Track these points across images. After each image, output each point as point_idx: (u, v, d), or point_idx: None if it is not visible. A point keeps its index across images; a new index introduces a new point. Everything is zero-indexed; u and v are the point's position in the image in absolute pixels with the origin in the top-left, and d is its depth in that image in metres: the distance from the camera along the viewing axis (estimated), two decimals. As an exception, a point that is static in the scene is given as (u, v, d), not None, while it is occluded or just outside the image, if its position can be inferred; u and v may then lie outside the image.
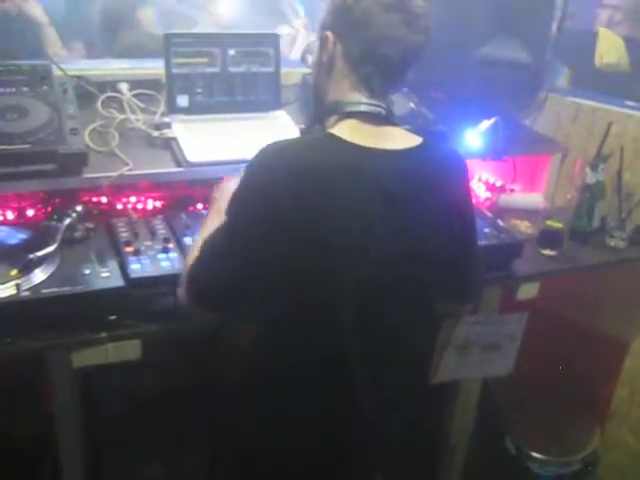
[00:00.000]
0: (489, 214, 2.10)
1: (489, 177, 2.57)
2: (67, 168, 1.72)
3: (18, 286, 1.47)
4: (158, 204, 1.97)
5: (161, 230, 1.79)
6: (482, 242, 1.82)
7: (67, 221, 1.70)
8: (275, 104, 2.16)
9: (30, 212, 1.84)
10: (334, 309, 1.36)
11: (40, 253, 1.56)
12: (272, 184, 1.29)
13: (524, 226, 2.27)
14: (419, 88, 2.24)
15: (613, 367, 2.57)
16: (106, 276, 1.56)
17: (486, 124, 2.21)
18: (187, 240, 1.75)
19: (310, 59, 1.55)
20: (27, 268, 1.53)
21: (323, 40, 1.42)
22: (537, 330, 2.05)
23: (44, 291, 1.49)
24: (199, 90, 2.05)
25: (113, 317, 1.56)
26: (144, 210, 1.95)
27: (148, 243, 1.72)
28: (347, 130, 1.37)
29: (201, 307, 1.41)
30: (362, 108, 1.38)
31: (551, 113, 2.59)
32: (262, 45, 2.12)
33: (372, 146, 1.35)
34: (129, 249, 1.68)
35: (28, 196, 1.83)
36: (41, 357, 1.63)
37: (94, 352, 1.55)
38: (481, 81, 2.30)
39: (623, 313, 2.51)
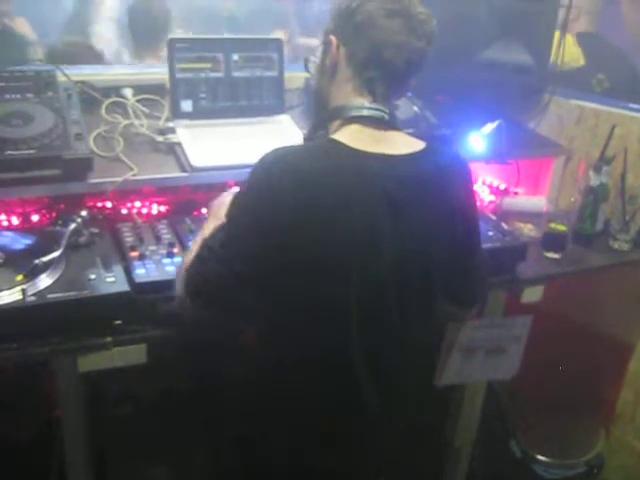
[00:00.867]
0: (493, 217, 2.11)
1: (493, 180, 2.57)
2: (72, 173, 1.72)
3: (24, 291, 1.47)
4: (163, 209, 1.98)
5: (166, 235, 1.79)
6: (486, 245, 1.82)
7: (72, 226, 1.70)
8: (279, 108, 2.17)
9: (35, 217, 1.85)
10: (336, 310, 1.37)
11: (45, 258, 1.56)
12: (273, 190, 1.29)
13: (528, 229, 2.27)
14: (423, 92, 2.24)
15: (618, 369, 2.57)
16: (111, 281, 1.56)
17: (490, 127, 2.22)
18: (192, 245, 1.76)
19: (312, 64, 1.55)
20: (33, 273, 1.53)
21: (327, 44, 1.42)
22: (542, 333, 2.05)
23: (50, 296, 1.49)
24: (203, 95, 2.06)
25: (118, 322, 1.56)
26: (149, 215, 1.95)
27: (153, 248, 1.72)
28: (350, 135, 1.38)
29: (197, 304, 1.40)
30: (365, 113, 1.39)
31: (554, 116, 2.60)
32: (266, 50, 2.12)
33: (375, 151, 1.36)
34: (134, 254, 1.68)
35: (33, 201, 1.84)
36: (46, 361, 1.63)
37: (99, 357, 1.55)
38: (485, 84, 2.30)
39: (627, 315, 2.50)
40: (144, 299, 1.59)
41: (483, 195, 2.48)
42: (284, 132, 2.10)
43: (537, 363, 2.20)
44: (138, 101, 2.05)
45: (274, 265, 1.33)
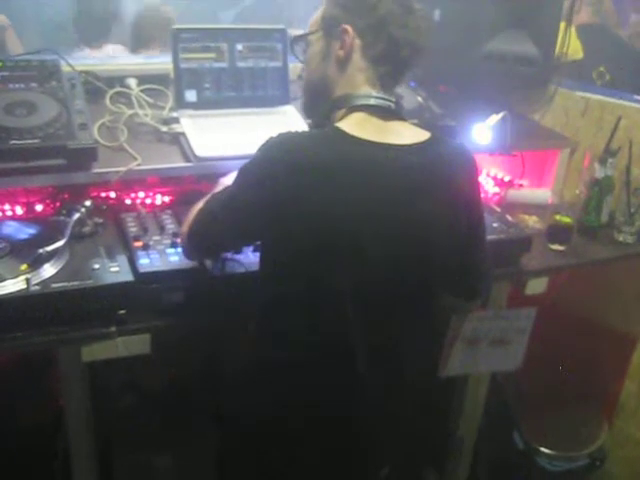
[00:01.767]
0: (497, 209, 2.10)
1: (497, 172, 2.57)
2: (76, 163, 1.72)
3: (28, 280, 1.47)
4: (167, 199, 1.98)
5: (170, 225, 1.79)
6: (491, 237, 1.82)
7: (76, 216, 1.70)
8: (283, 99, 2.16)
9: (39, 207, 1.85)
10: (334, 298, 1.37)
11: (49, 248, 1.56)
12: (272, 176, 1.31)
13: (532, 221, 2.27)
14: (427, 82, 2.24)
15: (621, 362, 2.57)
16: (115, 271, 1.56)
17: (494, 119, 2.21)
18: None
19: (306, 48, 1.53)
20: (37, 263, 1.53)
21: (338, 33, 1.41)
22: (545, 325, 2.05)
23: (54, 285, 1.49)
24: (207, 85, 2.05)
25: (122, 312, 1.56)
26: (153, 205, 1.95)
27: (157, 238, 1.73)
28: (354, 124, 1.37)
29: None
30: (372, 102, 1.39)
31: (560, 108, 2.59)
32: (270, 40, 2.11)
33: (379, 141, 1.36)
34: (138, 244, 1.68)
35: (37, 191, 1.84)
36: (50, 351, 1.63)
37: (103, 346, 1.56)
38: (489, 75, 2.30)
39: (631, 308, 2.50)
40: (148, 289, 1.59)
41: (488, 187, 2.48)
42: (288, 123, 2.09)
43: (540, 355, 2.19)
44: (142, 91, 2.04)
45: (271, 248, 1.37)
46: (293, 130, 1.38)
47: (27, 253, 1.56)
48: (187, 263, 1.63)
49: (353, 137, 1.34)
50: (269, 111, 2.13)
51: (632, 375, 2.55)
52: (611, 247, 2.26)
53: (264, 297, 1.47)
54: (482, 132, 2.22)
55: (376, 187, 1.33)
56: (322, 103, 1.49)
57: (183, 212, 1.86)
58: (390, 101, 1.40)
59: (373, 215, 1.33)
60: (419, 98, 2.20)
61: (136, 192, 1.94)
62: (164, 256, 1.65)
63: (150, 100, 2.04)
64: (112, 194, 1.91)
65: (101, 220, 1.76)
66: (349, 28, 1.39)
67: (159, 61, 2.23)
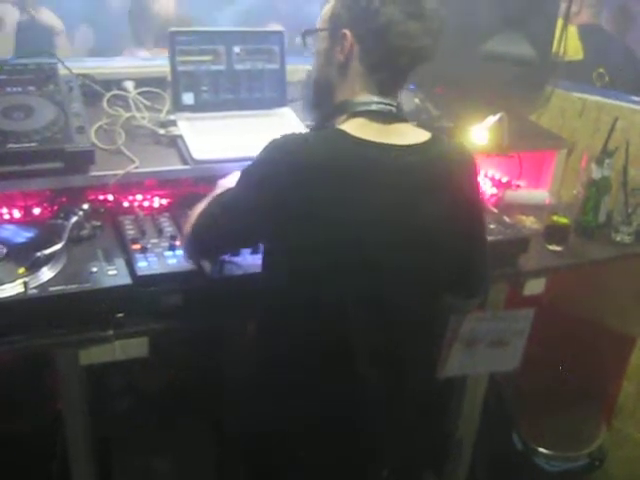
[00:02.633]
0: (495, 210, 2.10)
1: (495, 173, 2.56)
2: (73, 166, 1.72)
3: (26, 284, 1.47)
4: (164, 202, 1.97)
5: (168, 227, 1.79)
6: (488, 238, 1.81)
7: (74, 219, 1.70)
8: (281, 101, 2.16)
9: (37, 210, 1.84)
10: (336, 297, 1.37)
11: (47, 251, 1.56)
12: (275, 177, 1.32)
13: (530, 222, 2.27)
14: (425, 84, 2.24)
15: (620, 362, 2.57)
16: (113, 274, 1.56)
17: (492, 120, 2.21)
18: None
19: (313, 50, 1.53)
20: (34, 266, 1.53)
21: (339, 37, 1.40)
22: (544, 326, 2.05)
23: (51, 289, 1.49)
24: (204, 88, 2.06)
25: (120, 315, 1.56)
26: (150, 208, 1.95)
27: (155, 240, 1.72)
28: (356, 126, 1.38)
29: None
30: (373, 107, 1.39)
31: (557, 108, 2.59)
32: (267, 42, 2.12)
33: (381, 141, 1.36)
34: (136, 247, 1.68)
35: (35, 194, 1.83)
36: (48, 354, 1.63)
37: (101, 350, 1.56)
38: (487, 77, 2.30)
39: (629, 308, 2.50)
40: (146, 292, 1.59)
41: (485, 188, 2.47)
42: (286, 125, 2.09)
43: (539, 356, 2.20)
44: (139, 94, 2.05)
45: (273, 249, 1.37)
46: (295, 132, 1.38)
47: (25, 256, 1.56)
48: (185, 266, 1.63)
49: (355, 137, 1.35)
50: (266, 113, 2.13)
51: (630, 375, 2.56)
52: (609, 247, 2.26)
53: (265, 299, 1.47)
54: (479, 133, 2.22)
55: (377, 186, 1.34)
56: (324, 105, 1.50)
57: (181, 215, 1.86)
58: (391, 105, 1.40)
59: (375, 214, 1.34)
60: (416, 100, 2.21)
61: (134, 195, 1.93)
62: (162, 259, 1.65)
63: (147, 103, 2.04)
64: (110, 197, 1.90)
65: (99, 223, 1.76)
66: (348, 33, 1.38)
67: (156, 64, 2.23)
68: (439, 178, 1.41)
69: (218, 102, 2.08)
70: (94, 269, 1.57)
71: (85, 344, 1.55)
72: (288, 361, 1.45)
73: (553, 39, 2.47)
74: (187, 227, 1.55)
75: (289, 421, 1.48)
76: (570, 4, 2.55)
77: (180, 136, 1.94)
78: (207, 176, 1.93)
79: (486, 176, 2.56)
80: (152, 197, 1.96)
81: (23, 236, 1.68)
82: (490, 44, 2.28)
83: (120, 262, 1.62)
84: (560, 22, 2.50)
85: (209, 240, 1.53)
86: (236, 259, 1.67)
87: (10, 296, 1.45)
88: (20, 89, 1.81)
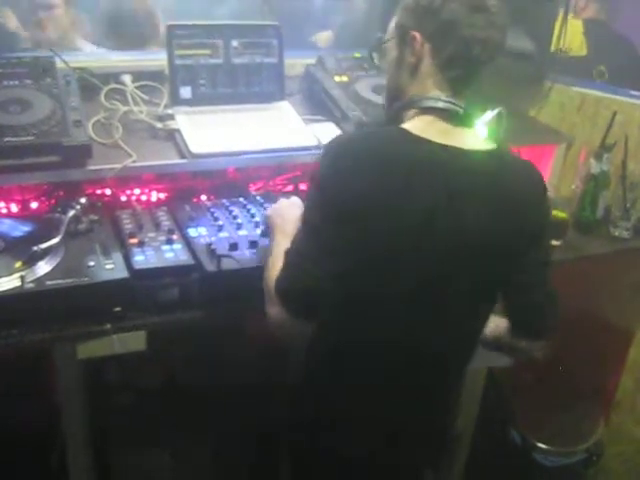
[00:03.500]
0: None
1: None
2: (71, 160, 1.72)
3: (22, 278, 1.47)
4: (162, 196, 1.97)
5: (165, 222, 1.79)
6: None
7: (71, 213, 1.70)
8: (279, 95, 2.16)
9: (34, 204, 1.84)
10: (396, 296, 1.37)
11: (44, 245, 1.56)
12: (339, 175, 1.31)
13: (528, 216, 2.26)
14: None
15: (618, 357, 2.57)
16: (110, 268, 1.56)
17: (490, 115, 2.20)
18: (191, 231, 1.76)
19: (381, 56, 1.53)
20: (31, 260, 1.53)
21: (409, 40, 1.39)
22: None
23: (48, 283, 1.49)
24: (202, 81, 2.05)
25: (118, 309, 1.56)
26: (148, 202, 1.95)
27: (152, 234, 1.72)
28: (420, 125, 1.37)
29: (300, 317, 1.34)
30: (440, 105, 1.37)
31: (555, 103, 2.59)
32: (265, 36, 2.11)
33: (442, 142, 1.34)
34: (133, 241, 1.68)
35: (32, 188, 1.83)
36: (46, 348, 1.63)
37: (99, 344, 1.56)
38: (485, 71, 2.29)
39: (627, 303, 2.50)
40: (143, 286, 1.59)
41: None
42: (283, 119, 2.09)
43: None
44: (137, 88, 2.04)
45: (352, 253, 1.33)
46: (351, 132, 1.37)
47: (22, 250, 1.56)
48: (182, 259, 1.63)
49: (416, 136, 1.33)
50: (264, 107, 2.13)
51: (628, 370, 2.56)
52: (607, 242, 2.26)
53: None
54: (478, 128, 2.21)
55: (432, 186, 1.31)
56: (394, 106, 1.48)
57: (178, 208, 1.86)
58: (459, 106, 1.39)
59: (427, 213, 1.31)
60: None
61: (131, 189, 1.93)
62: (159, 253, 1.65)
63: (145, 97, 2.04)
64: (107, 191, 1.90)
65: (96, 217, 1.76)
66: (417, 34, 1.37)
67: (154, 57, 2.22)
68: (497, 188, 1.38)
69: (216, 96, 2.08)
70: (91, 263, 1.57)
71: (83, 338, 1.55)
72: (343, 354, 1.47)
73: (552, 34, 2.47)
74: (274, 306, 1.36)
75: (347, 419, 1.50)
76: (568, 1, 2.54)
77: (178, 130, 1.93)
78: (205, 170, 1.93)
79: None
80: (150, 191, 1.96)
81: (20, 230, 1.68)
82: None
83: (117, 256, 1.62)
84: (561, 16, 2.49)
85: (315, 285, 1.32)
86: (234, 253, 1.67)
87: (7, 290, 1.46)
88: (17, 82, 1.81)
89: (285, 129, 2.04)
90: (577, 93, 2.53)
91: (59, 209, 1.75)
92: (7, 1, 2.98)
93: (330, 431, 1.53)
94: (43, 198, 1.85)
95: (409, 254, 1.33)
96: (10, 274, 1.49)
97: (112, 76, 2.08)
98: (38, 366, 1.92)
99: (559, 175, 2.55)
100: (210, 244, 1.69)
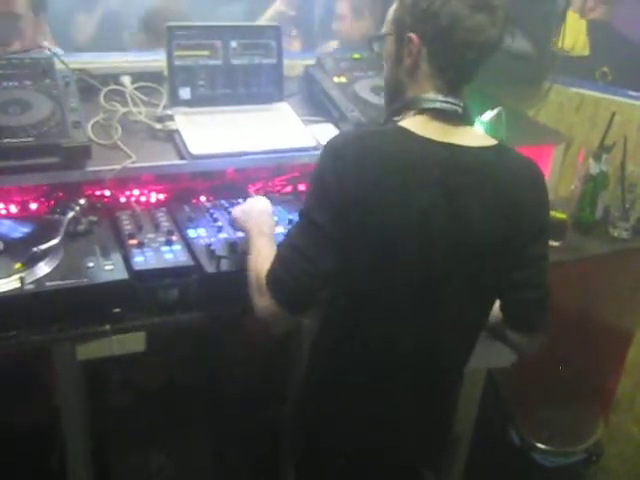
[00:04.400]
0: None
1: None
2: (70, 161, 1.72)
3: (22, 279, 1.47)
4: (161, 197, 1.97)
5: (164, 223, 1.79)
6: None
7: (70, 214, 1.70)
8: (278, 96, 2.16)
9: (33, 205, 1.84)
10: (394, 294, 1.38)
11: (44, 246, 1.56)
12: (338, 172, 1.31)
13: (527, 217, 2.27)
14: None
15: (617, 357, 2.57)
16: (110, 269, 1.56)
17: (489, 115, 2.21)
18: (190, 232, 1.76)
19: (378, 50, 1.53)
20: (31, 261, 1.53)
21: (406, 41, 1.39)
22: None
23: (48, 284, 1.49)
24: (201, 82, 2.05)
25: (117, 310, 1.56)
26: (147, 203, 1.95)
27: (151, 236, 1.72)
28: (420, 124, 1.37)
29: (292, 311, 1.37)
30: (438, 105, 1.37)
31: (554, 103, 2.59)
32: (264, 37, 2.11)
33: (442, 140, 1.35)
34: (133, 242, 1.68)
35: (31, 189, 1.83)
36: (46, 349, 1.63)
37: (98, 345, 1.56)
38: (484, 72, 2.29)
39: (627, 303, 2.50)
40: (143, 287, 1.59)
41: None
42: (282, 120, 2.09)
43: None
44: (136, 89, 2.04)
45: (350, 250, 1.34)
46: (350, 129, 1.37)
47: (21, 252, 1.56)
48: (182, 260, 1.63)
49: (415, 135, 1.34)
50: (263, 108, 2.13)
51: (628, 370, 2.56)
52: (606, 242, 2.26)
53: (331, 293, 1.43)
54: (477, 128, 2.21)
55: (430, 184, 1.32)
56: (395, 102, 1.48)
57: (177, 209, 1.86)
58: (457, 105, 1.38)
59: (427, 209, 1.32)
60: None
61: (130, 190, 1.93)
62: (159, 254, 1.65)
63: (144, 98, 2.04)
64: (106, 192, 1.90)
65: (95, 218, 1.76)
66: (415, 37, 1.36)
67: (153, 58, 2.22)
68: (497, 185, 1.37)
69: (215, 97, 2.08)
70: (91, 264, 1.57)
71: (82, 339, 1.55)
72: (349, 361, 1.48)
73: (551, 34, 2.47)
74: (262, 297, 1.39)
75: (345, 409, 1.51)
76: (568, 1, 2.54)
77: (177, 131, 1.93)
78: (204, 171, 1.93)
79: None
80: (149, 192, 1.96)
81: (19, 231, 1.68)
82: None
83: (117, 257, 1.62)
84: (570, 15, 2.48)
85: (305, 286, 1.35)
86: (234, 254, 1.67)
87: (6, 291, 1.46)
88: (16, 84, 1.81)
89: (284, 130, 2.04)
90: (576, 94, 2.53)
91: (58, 210, 1.75)
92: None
93: (330, 431, 1.54)
94: (42, 199, 1.85)
95: (408, 252, 1.33)
96: (9, 275, 1.49)
97: (111, 77, 2.08)
98: (38, 367, 1.92)
99: (558, 176, 2.55)
100: (209, 245, 1.69)
